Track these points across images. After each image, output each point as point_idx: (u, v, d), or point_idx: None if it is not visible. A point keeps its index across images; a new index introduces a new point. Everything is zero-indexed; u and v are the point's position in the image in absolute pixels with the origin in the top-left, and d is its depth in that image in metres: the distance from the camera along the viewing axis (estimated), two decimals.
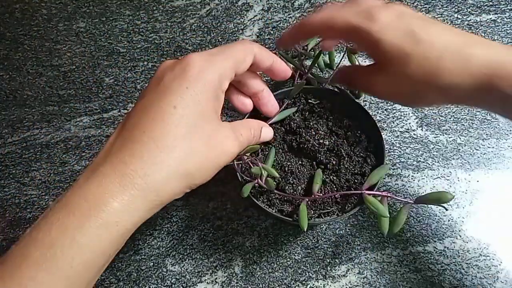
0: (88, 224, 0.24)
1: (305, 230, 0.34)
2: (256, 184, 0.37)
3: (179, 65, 0.29)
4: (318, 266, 0.42)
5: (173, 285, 0.42)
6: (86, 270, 0.24)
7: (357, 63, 0.44)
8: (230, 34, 0.54)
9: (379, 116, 0.48)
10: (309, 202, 0.37)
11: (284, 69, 0.35)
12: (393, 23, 0.30)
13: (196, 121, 0.28)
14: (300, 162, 0.40)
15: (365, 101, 0.49)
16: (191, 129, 0.27)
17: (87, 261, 0.24)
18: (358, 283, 0.41)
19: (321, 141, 0.40)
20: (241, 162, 0.36)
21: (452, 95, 0.30)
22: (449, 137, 0.47)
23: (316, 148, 0.39)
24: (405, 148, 0.47)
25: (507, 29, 0.52)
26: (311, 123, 0.40)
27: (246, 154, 0.36)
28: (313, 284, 0.41)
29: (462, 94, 0.29)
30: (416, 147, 0.47)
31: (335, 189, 0.38)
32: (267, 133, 0.37)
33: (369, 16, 0.30)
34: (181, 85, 0.28)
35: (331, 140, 0.40)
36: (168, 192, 0.27)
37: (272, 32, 0.54)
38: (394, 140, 0.47)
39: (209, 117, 0.29)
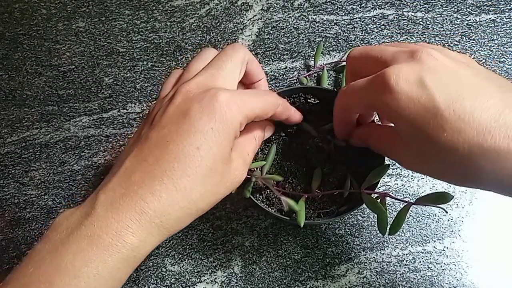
0: (110, 258, 0.25)
1: (302, 225, 0.34)
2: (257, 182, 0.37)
3: (208, 101, 0.28)
4: (318, 266, 0.42)
5: (172, 285, 0.42)
6: None
7: None
8: (230, 34, 0.54)
9: None
10: (308, 202, 0.37)
11: (296, 120, 0.37)
12: (412, 93, 0.25)
13: (214, 163, 0.28)
14: (299, 162, 0.40)
15: None
16: (209, 172, 0.28)
17: None
18: (357, 283, 0.41)
19: (319, 142, 0.39)
20: None
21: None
22: None
23: (315, 148, 0.39)
24: None
25: (506, 29, 0.52)
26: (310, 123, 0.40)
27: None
28: (313, 284, 0.41)
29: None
30: None
31: (334, 187, 0.38)
32: (270, 130, 0.37)
33: (382, 83, 0.27)
34: (207, 125, 0.27)
35: (330, 140, 0.40)
36: (178, 227, 0.28)
37: (271, 32, 0.54)
38: None
39: (225, 156, 0.29)
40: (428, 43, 0.52)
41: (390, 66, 0.27)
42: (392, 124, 0.30)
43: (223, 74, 0.30)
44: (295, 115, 0.37)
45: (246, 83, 0.36)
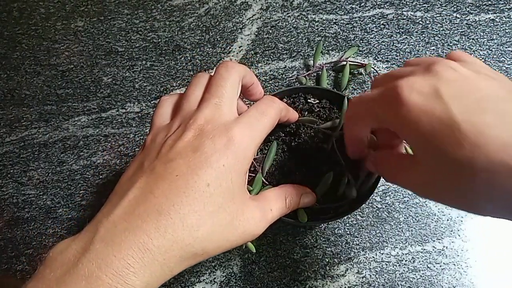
0: None
1: (306, 220, 0.34)
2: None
3: (220, 138, 0.27)
4: (317, 266, 0.42)
5: (171, 285, 0.42)
6: None
7: None
8: (229, 33, 0.54)
9: None
10: None
11: (295, 118, 0.38)
12: (425, 105, 0.23)
13: (224, 200, 0.27)
14: (299, 162, 0.40)
15: None
16: (217, 209, 0.26)
17: None
18: (357, 282, 0.41)
19: (319, 142, 0.39)
20: None
21: None
22: None
23: (315, 148, 0.39)
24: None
25: (505, 29, 0.52)
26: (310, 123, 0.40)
27: None
28: (312, 284, 0.41)
29: None
30: None
31: (333, 188, 0.38)
32: (309, 199, 0.35)
33: (393, 96, 0.25)
34: (219, 161, 0.27)
35: (330, 140, 0.40)
36: (181, 268, 0.26)
37: (271, 31, 0.54)
38: None
39: (237, 194, 0.28)
40: (428, 42, 0.52)
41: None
42: (409, 150, 0.27)
43: (225, 100, 0.30)
44: (293, 115, 0.37)
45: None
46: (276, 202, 0.31)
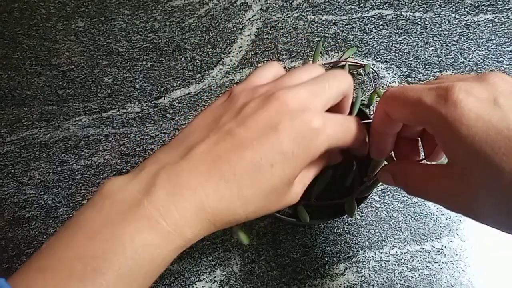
0: (166, 246, 0.24)
1: (308, 221, 0.35)
2: None
3: (300, 123, 0.26)
4: (317, 265, 0.42)
5: (171, 284, 0.42)
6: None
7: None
8: (229, 34, 0.54)
9: None
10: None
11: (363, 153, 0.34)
12: (482, 110, 0.22)
13: (280, 184, 0.27)
14: None
15: (362, 100, 0.49)
16: (272, 190, 0.27)
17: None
18: (356, 281, 0.41)
19: None
20: None
21: None
22: None
23: None
24: None
25: (504, 29, 0.52)
26: None
27: None
28: (312, 283, 0.42)
29: None
30: None
31: (334, 188, 0.38)
32: (338, 158, 0.34)
33: (446, 95, 0.23)
34: (290, 147, 0.26)
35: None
36: (222, 228, 0.27)
37: (270, 32, 0.54)
38: None
39: (292, 180, 0.28)
40: (426, 43, 0.52)
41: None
42: (440, 160, 0.27)
43: (323, 97, 0.28)
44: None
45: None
46: (314, 169, 0.31)
